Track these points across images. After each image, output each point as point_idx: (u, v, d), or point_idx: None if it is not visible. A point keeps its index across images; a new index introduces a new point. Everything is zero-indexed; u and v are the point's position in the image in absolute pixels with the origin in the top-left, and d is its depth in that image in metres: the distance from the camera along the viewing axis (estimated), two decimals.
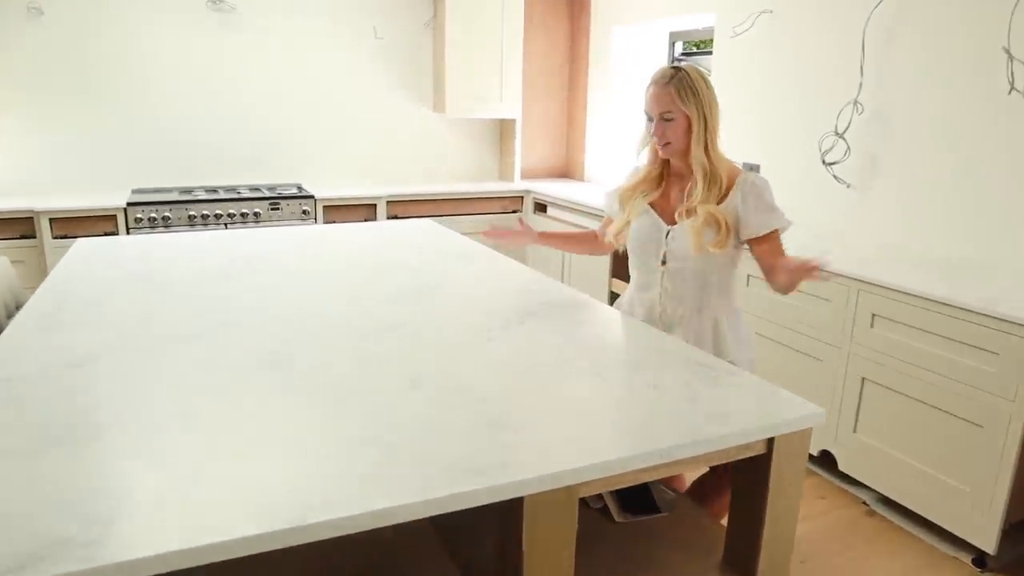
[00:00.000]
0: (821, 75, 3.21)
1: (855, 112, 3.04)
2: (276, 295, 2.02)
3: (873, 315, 2.47)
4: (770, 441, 1.28)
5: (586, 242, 2.19)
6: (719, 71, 3.77)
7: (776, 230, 1.76)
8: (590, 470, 1.10)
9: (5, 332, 1.65)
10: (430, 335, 1.70)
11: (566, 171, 5.40)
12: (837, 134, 3.12)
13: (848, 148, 3.08)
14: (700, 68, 1.78)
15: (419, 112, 4.88)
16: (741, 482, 1.38)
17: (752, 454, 1.28)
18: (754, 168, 3.45)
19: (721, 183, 1.75)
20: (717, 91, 1.78)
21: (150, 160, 4.23)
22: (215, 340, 1.62)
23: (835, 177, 3.15)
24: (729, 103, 3.95)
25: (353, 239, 2.86)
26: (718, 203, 1.76)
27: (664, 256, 1.84)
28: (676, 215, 1.81)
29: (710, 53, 4.00)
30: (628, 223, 1.90)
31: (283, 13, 4.38)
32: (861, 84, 3.00)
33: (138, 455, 1.10)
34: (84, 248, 2.58)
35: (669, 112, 1.73)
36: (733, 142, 1.81)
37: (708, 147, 1.74)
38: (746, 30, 3.57)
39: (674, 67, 1.76)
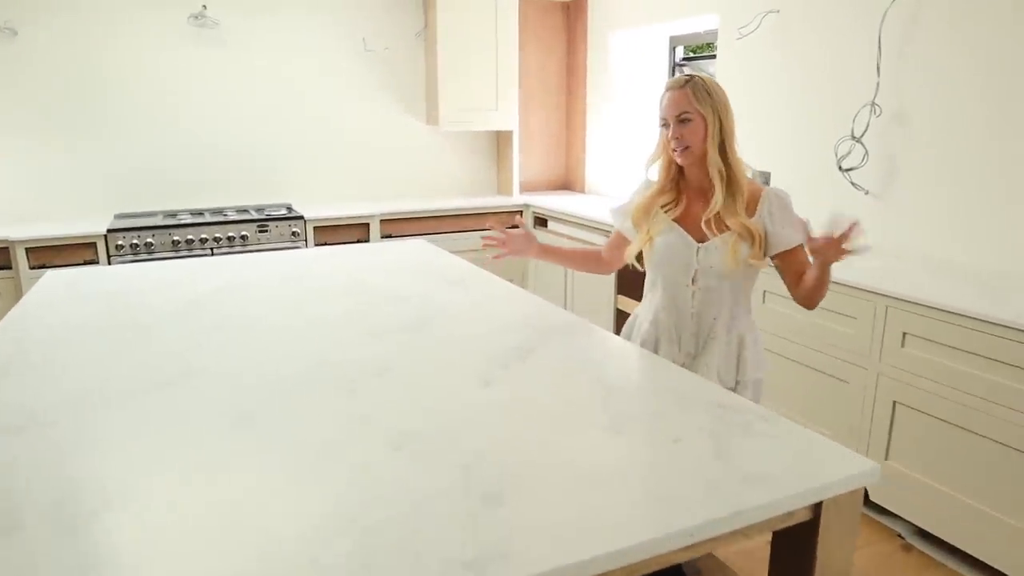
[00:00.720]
0: (834, 76, 3.02)
1: (872, 115, 2.85)
2: (250, 335, 1.83)
3: (904, 333, 2.28)
4: (816, 505, 1.09)
5: (589, 261, 2.09)
6: (724, 75, 3.59)
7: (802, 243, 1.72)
8: (607, 559, 0.91)
9: None
10: (419, 381, 1.51)
11: (566, 183, 5.22)
12: (854, 138, 2.93)
13: (866, 153, 2.90)
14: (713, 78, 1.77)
15: (412, 125, 4.71)
16: (782, 549, 1.19)
17: (795, 522, 1.09)
18: (765, 176, 3.28)
19: (744, 191, 1.70)
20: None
21: (133, 183, 4.05)
22: (176, 395, 1.43)
23: (853, 184, 2.96)
24: (736, 108, 3.76)
25: (341, 265, 2.67)
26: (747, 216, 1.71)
27: (695, 274, 1.74)
28: (703, 225, 1.72)
29: (713, 57, 3.82)
30: (651, 239, 1.78)
31: (268, 26, 4.21)
32: (878, 85, 2.82)
33: (69, 547, 0.91)
34: (51, 282, 2.39)
35: (687, 112, 1.68)
36: (742, 149, 1.72)
37: (727, 152, 1.69)
38: (752, 31, 3.39)
39: (688, 75, 1.73)
